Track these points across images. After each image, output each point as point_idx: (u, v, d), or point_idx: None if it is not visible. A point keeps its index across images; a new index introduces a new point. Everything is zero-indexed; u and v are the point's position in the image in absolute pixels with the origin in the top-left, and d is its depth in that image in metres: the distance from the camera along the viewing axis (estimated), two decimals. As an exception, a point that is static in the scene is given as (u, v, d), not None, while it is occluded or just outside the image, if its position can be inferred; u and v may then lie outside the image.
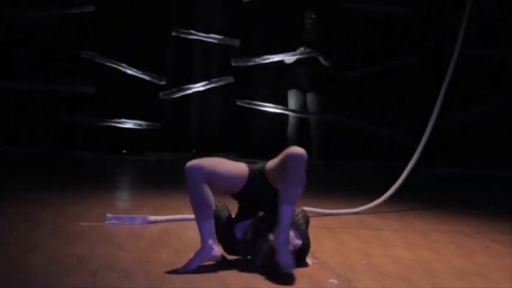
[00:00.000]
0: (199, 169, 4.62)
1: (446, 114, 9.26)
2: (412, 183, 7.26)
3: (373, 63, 10.59)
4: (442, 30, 10.29)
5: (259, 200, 4.74)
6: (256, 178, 4.74)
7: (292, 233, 4.61)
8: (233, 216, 4.87)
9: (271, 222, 4.60)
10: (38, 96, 10.28)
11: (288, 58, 10.31)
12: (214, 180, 4.66)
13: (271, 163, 4.76)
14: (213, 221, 4.63)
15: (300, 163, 4.52)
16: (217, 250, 4.64)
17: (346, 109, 10.51)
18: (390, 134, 10.39)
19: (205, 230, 4.61)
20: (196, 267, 4.54)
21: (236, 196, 4.81)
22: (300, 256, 4.72)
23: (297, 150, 4.56)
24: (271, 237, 4.50)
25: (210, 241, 4.59)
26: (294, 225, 4.70)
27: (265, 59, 10.29)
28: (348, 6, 10.52)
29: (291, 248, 4.51)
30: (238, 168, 4.79)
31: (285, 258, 4.42)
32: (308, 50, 10.19)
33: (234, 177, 4.74)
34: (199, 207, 4.62)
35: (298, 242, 4.69)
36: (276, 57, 10.26)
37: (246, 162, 4.94)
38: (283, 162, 4.59)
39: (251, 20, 10.72)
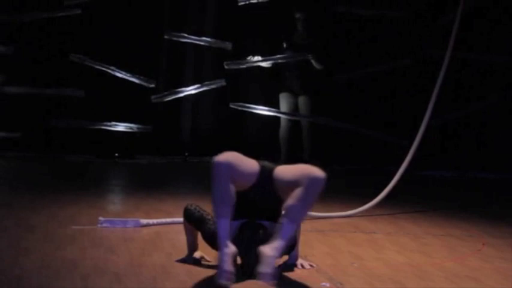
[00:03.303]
0: (228, 166, 4.56)
1: (438, 117, 9.26)
2: (404, 186, 7.26)
3: (365, 66, 10.58)
4: (434, 33, 10.30)
5: (259, 202, 4.71)
6: (265, 178, 4.70)
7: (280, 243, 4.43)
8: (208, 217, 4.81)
9: (269, 233, 4.53)
10: (27, 99, 10.20)
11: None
12: (235, 177, 4.59)
13: (284, 171, 4.70)
14: (229, 220, 4.50)
15: (320, 188, 4.48)
16: (233, 248, 4.47)
17: (338, 112, 10.49)
18: (382, 137, 10.39)
19: (223, 228, 4.47)
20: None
21: (239, 193, 4.64)
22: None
23: (322, 174, 4.49)
24: (263, 248, 4.37)
25: (227, 241, 4.44)
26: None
27: (249, 62, 10.25)
28: (340, 9, 10.52)
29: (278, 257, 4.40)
30: (252, 165, 4.76)
31: (267, 271, 4.27)
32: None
33: (249, 174, 4.70)
34: (222, 204, 4.49)
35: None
36: (256, 61, 10.24)
37: (255, 159, 4.83)
38: (302, 179, 4.49)
39: (244, 23, 10.71)
